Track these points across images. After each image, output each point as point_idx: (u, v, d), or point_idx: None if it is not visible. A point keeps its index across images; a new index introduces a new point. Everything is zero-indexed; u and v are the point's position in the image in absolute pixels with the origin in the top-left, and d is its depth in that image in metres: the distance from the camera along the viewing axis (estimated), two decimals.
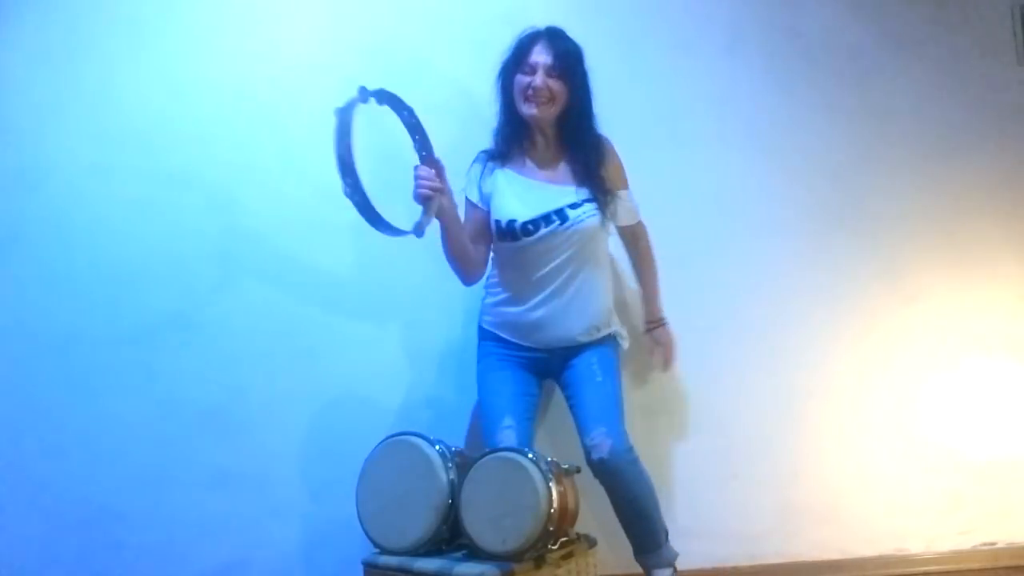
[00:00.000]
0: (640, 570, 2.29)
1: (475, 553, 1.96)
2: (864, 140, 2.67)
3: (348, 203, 2.02)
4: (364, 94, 2.01)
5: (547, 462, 1.97)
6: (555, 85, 2.16)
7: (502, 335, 2.30)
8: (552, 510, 1.91)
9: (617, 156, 2.30)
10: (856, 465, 2.58)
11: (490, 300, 2.33)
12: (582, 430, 2.19)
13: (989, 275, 2.64)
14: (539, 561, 1.95)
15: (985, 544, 2.57)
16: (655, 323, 2.44)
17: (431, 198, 2.05)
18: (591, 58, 2.24)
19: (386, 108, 2.08)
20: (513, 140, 2.26)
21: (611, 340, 2.31)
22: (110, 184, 2.56)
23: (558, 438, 2.41)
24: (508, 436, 2.18)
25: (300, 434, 2.54)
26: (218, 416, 2.53)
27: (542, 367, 2.31)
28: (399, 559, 2.01)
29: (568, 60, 2.17)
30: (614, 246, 2.42)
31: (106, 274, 2.55)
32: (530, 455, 1.97)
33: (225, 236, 2.57)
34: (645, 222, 2.42)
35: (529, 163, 2.27)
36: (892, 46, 2.69)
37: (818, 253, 2.64)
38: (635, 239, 2.42)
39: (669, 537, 2.26)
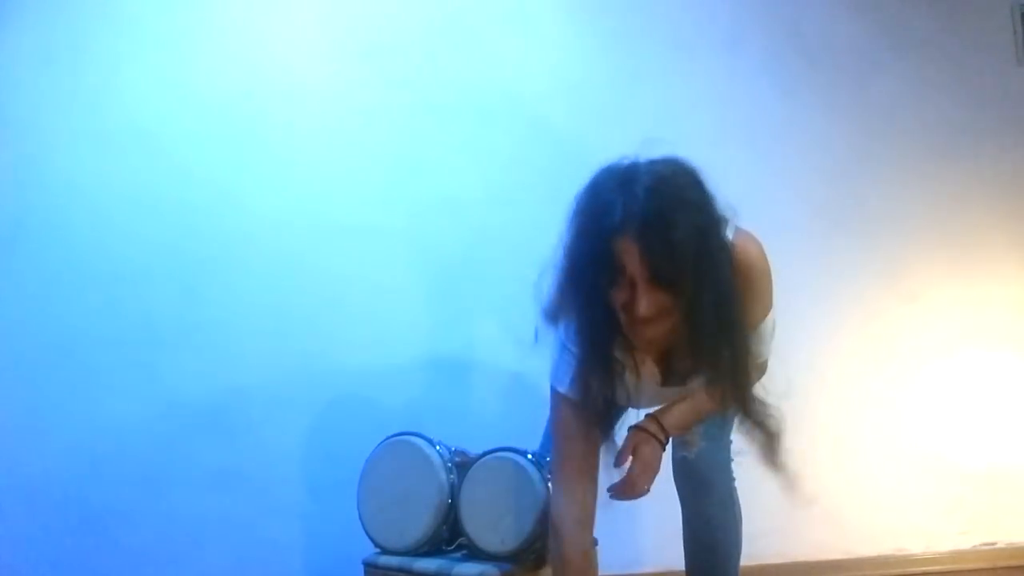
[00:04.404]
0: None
1: (475, 553, 1.96)
2: (864, 140, 2.66)
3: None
4: None
5: (547, 462, 1.96)
6: (663, 298, 1.37)
7: None
8: None
9: (760, 275, 1.59)
10: (856, 465, 2.58)
11: None
12: None
13: (989, 275, 2.64)
14: (539, 561, 1.95)
15: (985, 544, 2.57)
16: (654, 423, 1.69)
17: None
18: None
19: None
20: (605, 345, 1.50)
21: None
22: (110, 184, 2.56)
23: None
24: None
25: (300, 434, 2.54)
26: (218, 416, 2.53)
27: None
28: (399, 559, 2.01)
29: (675, 260, 1.34)
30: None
31: (106, 274, 2.55)
32: (529, 455, 1.97)
33: (226, 236, 2.57)
34: None
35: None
36: (892, 46, 2.69)
37: (818, 253, 2.63)
38: None
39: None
